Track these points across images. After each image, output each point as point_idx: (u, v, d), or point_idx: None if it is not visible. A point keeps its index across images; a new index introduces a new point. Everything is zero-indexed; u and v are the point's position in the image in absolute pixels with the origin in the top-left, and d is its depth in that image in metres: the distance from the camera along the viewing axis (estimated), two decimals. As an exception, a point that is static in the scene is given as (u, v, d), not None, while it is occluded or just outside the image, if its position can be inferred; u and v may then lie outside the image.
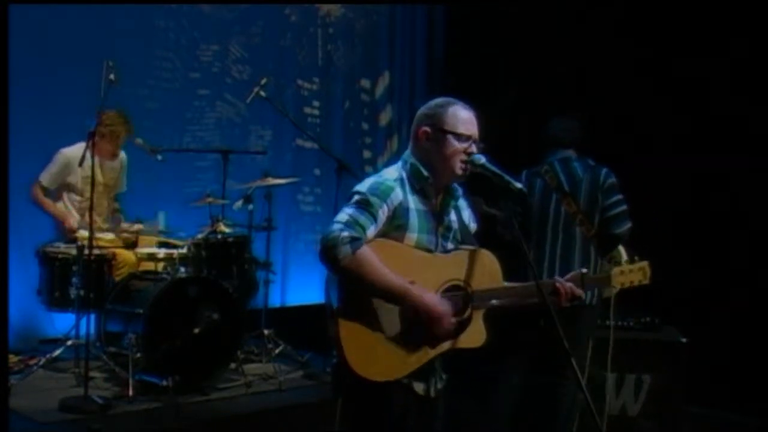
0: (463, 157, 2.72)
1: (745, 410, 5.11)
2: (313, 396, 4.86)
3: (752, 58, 5.41)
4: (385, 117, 7.68)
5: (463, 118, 2.75)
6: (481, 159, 2.74)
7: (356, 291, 2.61)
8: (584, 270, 3.06)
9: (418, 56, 7.78)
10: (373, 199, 2.63)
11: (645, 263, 3.18)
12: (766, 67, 5.37)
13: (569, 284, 2.88)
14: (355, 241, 2.54)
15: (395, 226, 2.68)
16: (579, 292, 2.89)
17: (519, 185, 2.77)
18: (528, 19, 6.56)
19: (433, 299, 2.63)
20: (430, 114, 2.78)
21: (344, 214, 2.61)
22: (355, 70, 7.48)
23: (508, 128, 6.23)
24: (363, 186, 2.70)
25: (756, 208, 5.29)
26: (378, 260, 2.57)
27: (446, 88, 7.19)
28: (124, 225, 5.37)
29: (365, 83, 7.57)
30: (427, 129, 2.76)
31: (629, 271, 3.15)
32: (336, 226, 2.57)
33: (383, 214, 2.64)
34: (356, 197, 2.66)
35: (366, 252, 2.55)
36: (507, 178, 2.75)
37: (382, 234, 2.66)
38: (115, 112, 5.07)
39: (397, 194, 2.68)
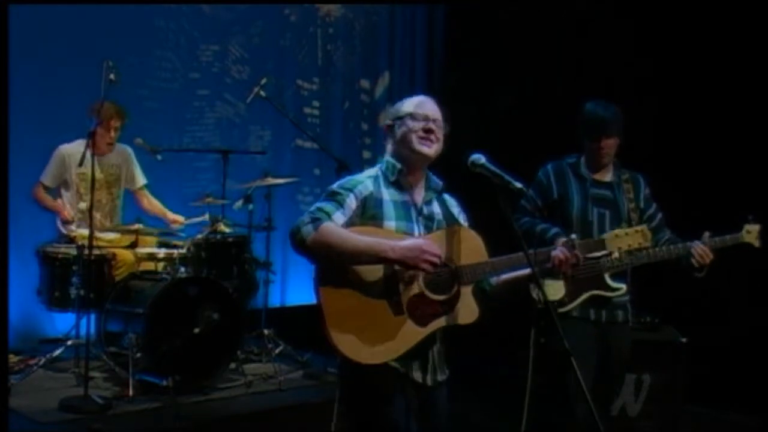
0: (421, 133, 2.80)
1: (745, 410, 5.11)
2: (313, 396, 4.85)
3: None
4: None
5: (415, 102, 2.89)
6: (481, 159, 2.78)
7: (336, 278, 2.64)
8: (573, 235, 3.06)
9: (418, 56, 7.78)
10: (339, 190, 2.75)
11: (643, 226, 3.14)
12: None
13: (563, 248, 2.90)
14: (317, 221, 2.62)
15: (370, 216, 2.74)
16: (569, 255, 2.92)
17: (519, 185, 2.78)
18: (528, 19, 6.56)
19: (406, 240, 2.64)
20: (390, 111, 2.97)
21: (312, 207, 2.72)
22: (355, 71, 7.48)
23: (508, 128, 6.24)
24: (334, 183, 2.81)
25: (756, 207, 5.28)
26: (343, 230, 2.63)
27: (446, 88, 7.22)
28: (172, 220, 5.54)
29: (365, 83, 7.57)
30: (389, 122, 2.91)
31: (625, 234, 3.07)
32: (301, 216, 2.68)
33: (351, 202, 2.72)
34: (325, 193, 2.78)
35: (329, 225, 2.62)
36: (507, 177, 2.76)
37: (359, 225, 2.71)
38: (107, 102, 4.96)
39: (366, 185, 2.77)
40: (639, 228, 3.11)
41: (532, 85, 6.41)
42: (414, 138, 2.79)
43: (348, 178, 2.83)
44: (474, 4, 7.02)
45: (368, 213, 2.73)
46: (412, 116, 2.82)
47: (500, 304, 2.89)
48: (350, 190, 2.74)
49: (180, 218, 5.54)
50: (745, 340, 5.27)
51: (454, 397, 2.92)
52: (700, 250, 3.59)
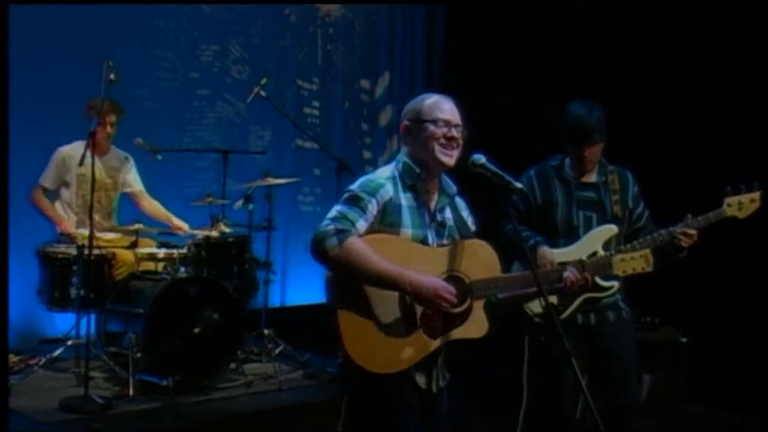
0: (443, 141, 2.75)
1: (745, 410, 5.11)
2: (313, 396, 4.86)
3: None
4: (384, 117, 7.67)
5: (439, 106, 2.81)
6: (481, 159, 2.77)
7: (352, 285, 2.64)
8: (583, 258, 3.09)
9: (418, 56, 7.77)
10: (362, 194, 2.69)
11: (647, 250, 3.21)
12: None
13: (573, 269, 2.92)
14: (342, 233, 2.59)
15: (388, 223, 2.71)
16: (579, 277, 2.93)
17: (519, 184, 2.79)
18: (528, 19, 6.56)
19: (427, 277, 2.64)
20: (409, 109, 2.85)
21: (333, 211, 2.68)
22: (355, 71, 7.48)
23: (508, 128, 6.24)
24: (354, 184, 2.76)
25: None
26: (367, 248, 2.60)
27: (447, 88, 7.21)
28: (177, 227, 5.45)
29: (365, 83, 7.56)
30: (408, 122, 2.83)
31: (630, 259, 3.20)
32: (325, 222, 2.63)
33: (373, 208, 2.69)
34: (346, 195, 2.72)
35: (354, 241, 2.59)
36: (507, 177, 2.76)
37: (376, 231, 2.69)
38: (100, 98, 4.89)
39: (387, 190, 2.72)
40: (643, 252, 3.21)
41: (532, 85, 6.41)
42: (436, 147, 2.75)
43: (367, 179, 2.76)
44: (474, 4, 7.02)
45: (387, 219, 2.71)
46: (434, 122, 2.77)
47: (502, 314, 2.90)
48: (372, 195, 2.69)
49: (184, 226, 5.46)
50: (745, 340, 5.27)
51: (456, 399, 2.93)
52: (685, 231, 3.50)
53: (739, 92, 5.42)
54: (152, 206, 5.62)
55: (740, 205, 3.50)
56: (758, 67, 5.37)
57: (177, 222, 5.51)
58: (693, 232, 3.51)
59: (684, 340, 4.76)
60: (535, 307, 3.56)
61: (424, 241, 2.76)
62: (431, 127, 2.76)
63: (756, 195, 3.51)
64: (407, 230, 2.72)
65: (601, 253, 3.51)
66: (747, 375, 5.17)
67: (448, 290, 2.65)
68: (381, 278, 2.61)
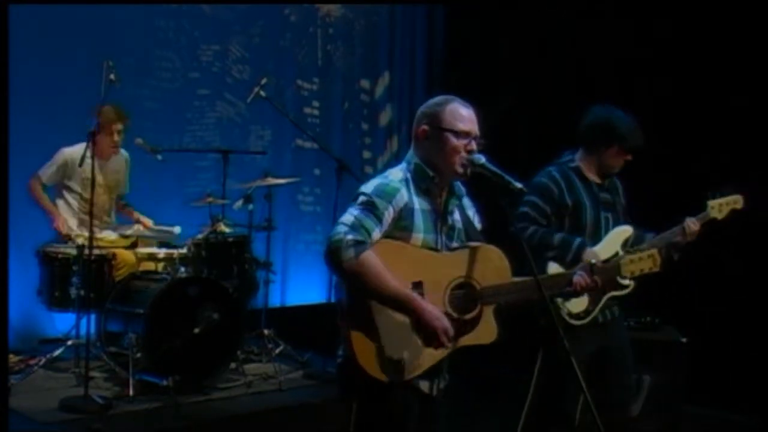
0: (463, 154, 2.72)
1: (745, 410, 5.10)
2: (313, 396, 4.86)
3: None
4: (384, 117, 7.67)
5: (461, 115, 2.75)
6: (481, 159, 2.75)
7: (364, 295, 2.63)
8: (593, 260, 3.10)
9: (418, 56, 7.78)
10: (379, 201, 2.64)
11: (654, 250, 3.25)
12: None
13: (582, 273, 2.94)
14: (360, 245, 2.55)
15: (400, 227, 2.68)
16: (589, 281, 2.97)
17: (519, 185, 2.78)
18: (528, 19, 6.55)
19: (434, 312, 2.63)
20: (429, 113, 2.79)
21: (350, 216, 2.61)
22: (355, 71, 7.48)
23: (508, 128, 6.24)
24: (368, 187, 2.70)
25: (756, 207, 5.29)
26: (382, 266, 2.57)
27: (447, 88, 7.21)
28: (139, 221, 5.46)
29: (365, 83, 7.56)
30: (426, 127, 2.77)
31: (639, 259, 3.23)
32: (341, 228, 2.57)
33: (388, 216, 2.65)
34: (362, 198, 2.66)
35: (370, 257, 2.56)
36: (507, 177, 2.75)
37: (387, 235, 2.66)
38: (109, 106, 5.01)
39: (402, 196, 2.69)
40: (651, 252, 3.23)
41: (532, 85, 6.41)
42: (456, 160, 2.71)
43: (382, 182, 2.70)
44: (474, 4, 7.02)
45: (400, 224, 2.68)
46: (454, 133, 2.72)
47: (510, 315, 2.90)
48: (388, 202, 2.65)
49: (148, 222, 5.52)
50: (745, 340, 5.27)
51: (459, 400, 2.93)
52: (692, 224, 3.68)
53: (738, 92, 5.43)
54: (124, 208, 5.68)
55: (720, 207, 3.77)
56: (757, 66, 5.38)
57: (141, 218, 5.56)
58: (699, 223, 3.70)
59: (684, 340, 4.76)
60: (573, 307, 3.54)
61: (434, 246, 2.75)
62: (452, 139, 2.72)
63: (731, 199, 3.78)
64: (419, 235, 2.71)
65: (621, 253, 3.55)
66: (747, 375, 5.17)
67: (446, 332, 2.63)
68: (389, 299, 2.60)
